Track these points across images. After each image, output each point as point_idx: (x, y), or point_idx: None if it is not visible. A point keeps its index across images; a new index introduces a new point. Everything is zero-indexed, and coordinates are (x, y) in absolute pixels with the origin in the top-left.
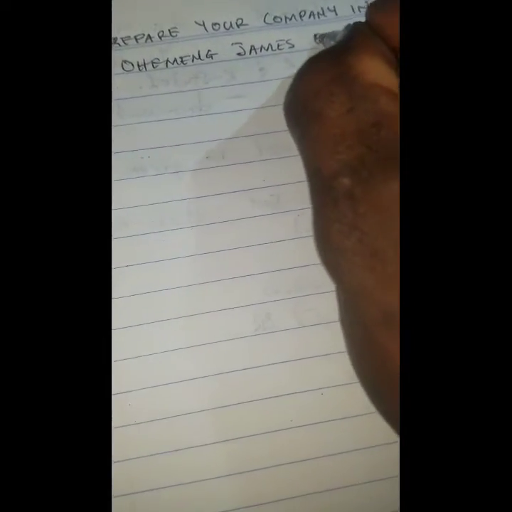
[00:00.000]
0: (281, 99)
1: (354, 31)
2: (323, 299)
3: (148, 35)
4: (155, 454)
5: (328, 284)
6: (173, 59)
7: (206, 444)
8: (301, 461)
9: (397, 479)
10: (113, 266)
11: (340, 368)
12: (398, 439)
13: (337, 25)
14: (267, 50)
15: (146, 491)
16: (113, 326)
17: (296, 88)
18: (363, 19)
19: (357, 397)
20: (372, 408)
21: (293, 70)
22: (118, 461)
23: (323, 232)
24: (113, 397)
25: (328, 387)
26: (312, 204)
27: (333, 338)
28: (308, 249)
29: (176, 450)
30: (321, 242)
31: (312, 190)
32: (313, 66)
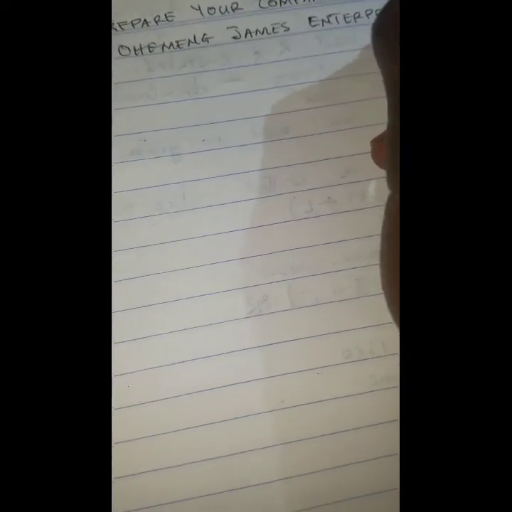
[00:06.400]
0: (277, 82)
1: None
2: (318, 280)
3: (145, 19)
4: (155, 435)
5: (323, 266)
6: (169, 43)
7: (203, 425)
8: (298, 440)
9: (397, 457)
10: (113, 249)
11: (336, 348)
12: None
13: (331, 10)
14: (263, 33)
15: (147, 471)
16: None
17: (394, 5)
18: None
19: (352, 377)
20: (368, 387)
21: (288, 53)
22: (118, 443)
23: None
24: (113, 379)
25: (323, 367)
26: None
27: (328, 319)
28: (303, 232)
29: (176, 431)
30: None
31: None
32: None
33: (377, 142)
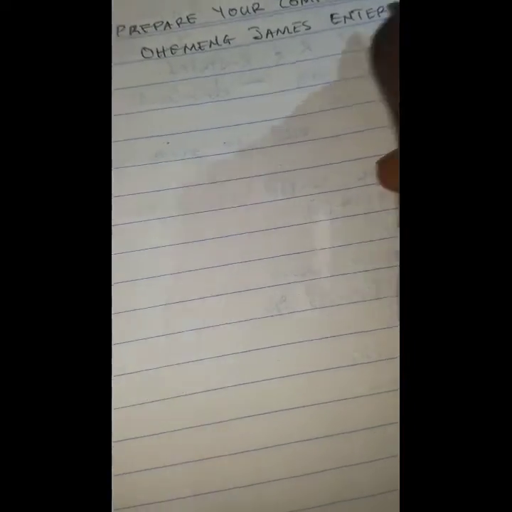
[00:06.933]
0: (299, 83)
1: None
2: (336, 282)
3: (167, 22)
4: (167, 432)
5: (341, 268)
6: (191, 45)
7: (213, 423)
8: (309, 439)
9: (397, 459)
10: (134, 249)
11: (354, 348)
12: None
13: (353, 6)
14: (284, 32)
15: (146, 469)
16: (114, 310)
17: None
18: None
19: (370, 378)
20: (381, 388)
21: (309, 53)
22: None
23: None
24: (113, 379)
25: (340, 367)
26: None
27: (347, 320)
28: (322, 233)
29: (190, 427)
30: None
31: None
32: None
33: (384, 163)
